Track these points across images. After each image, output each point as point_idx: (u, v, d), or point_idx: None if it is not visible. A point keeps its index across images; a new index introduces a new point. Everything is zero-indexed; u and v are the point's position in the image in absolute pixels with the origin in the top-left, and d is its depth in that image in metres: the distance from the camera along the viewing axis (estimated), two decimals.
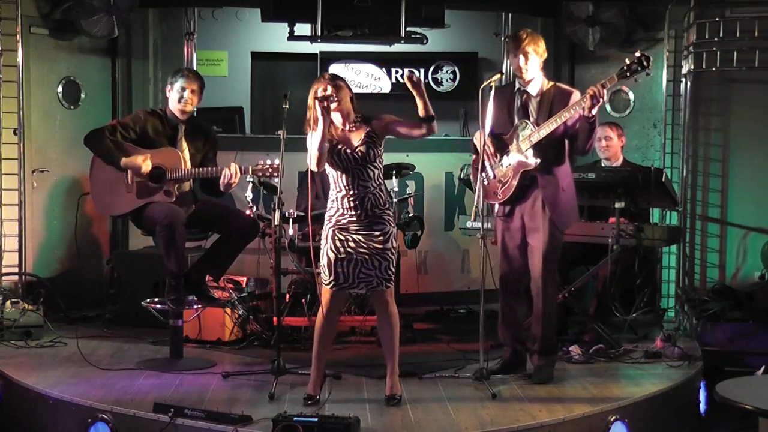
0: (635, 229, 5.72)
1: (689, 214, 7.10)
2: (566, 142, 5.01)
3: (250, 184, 5.95)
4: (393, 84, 8.27)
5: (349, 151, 4.61)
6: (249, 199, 5.99)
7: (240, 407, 4.43)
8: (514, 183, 5.03)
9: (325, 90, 4.56)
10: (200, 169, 5.36)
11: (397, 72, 8.25)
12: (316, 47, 7.78)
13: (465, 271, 7.45)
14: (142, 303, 5.74)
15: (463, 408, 4.61)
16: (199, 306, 5.64)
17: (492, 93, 5.05)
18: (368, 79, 8.26)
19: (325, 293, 4.69)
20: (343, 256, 4.61)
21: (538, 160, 4.94)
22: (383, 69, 8.25)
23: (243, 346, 5.92)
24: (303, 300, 6.06)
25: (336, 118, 4.62)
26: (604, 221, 5.89)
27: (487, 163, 5.11)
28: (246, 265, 6.40)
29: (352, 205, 4.61)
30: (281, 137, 4.84)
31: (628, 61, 4.76)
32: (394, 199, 6.05)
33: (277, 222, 4.91)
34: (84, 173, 5.95)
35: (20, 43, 6.56)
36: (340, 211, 4.64)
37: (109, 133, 5.36)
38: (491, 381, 4.95)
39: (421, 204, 7.17)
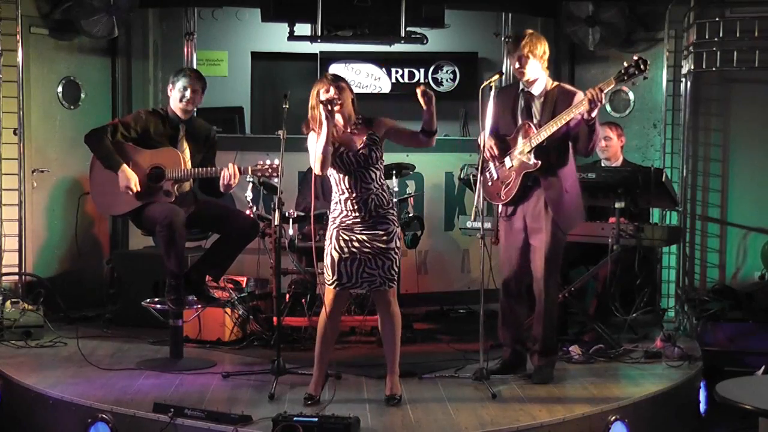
0: (635, 229, 5.72)
1: (689, 214, 7.10)
2: (569, 143, 5.01)
3: (250, 184, 5.96)
4: (393, 84, 8.27)
5: (351, 154, 4.61)
6: (249, 199, 5.99)
7: (240, 407, 4.43)
8: (517, 184, 5.03)
9: (327, 91, 4.55)
10: (200, 169, 5.36)
11: (397, 72, 8.25)
12: (316, 47, 7.78)
13: (465, 271, 7.45)
14: (142, 303, 5.74)
15: (463, 408, 4.61)
16: (199, 306, 5.64)
17: (492, 93, 5.04)
18: (368, 79, 8.26)
19: (328, 293, 4.68)
20: (347, 255, 4.61)
21: (539, 162, 4.94)
22: (383, 69, 8.25)
23: (243, 346, 5.92)
24: (303, 300, 6.06)
25: (337, 120, 4.62)
26: (604, 221, 5.89)
27: (490, 164, 5.12)
28: (246, 265, 6.40)
29: (355, 207, 4.61)
30: (281, 137, 4.84)
31: (625, 65, 4.76)
32: (394, 199, 6.04)
33: (277, 222, 4.91)
34: (84, 173, 5.95)
35: (20, 43, 6.56)
36: (344, 212, 4.64)
37: (110, 133, 5.36)
38: (491, 381, 4.95)
39: (421, 204, 7.17)
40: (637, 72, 4.73)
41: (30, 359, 5.52)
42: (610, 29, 7.12)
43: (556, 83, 5.08)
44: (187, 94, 5.40)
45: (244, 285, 6.32)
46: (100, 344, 5.93)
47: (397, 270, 4.70)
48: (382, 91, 8.26)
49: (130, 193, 5.28)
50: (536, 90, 5.03)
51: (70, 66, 7.19)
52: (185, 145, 5.43)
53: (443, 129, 7.48)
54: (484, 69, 8.22)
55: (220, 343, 5.97)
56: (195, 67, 7.29)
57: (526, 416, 4.49)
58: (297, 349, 5.76)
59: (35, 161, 6.90)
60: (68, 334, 5.98)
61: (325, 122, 4.47)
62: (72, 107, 7.20)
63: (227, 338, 5.99)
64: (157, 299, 5.72)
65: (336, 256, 4.62)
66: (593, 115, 4.76)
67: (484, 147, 5.03)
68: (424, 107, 4.51)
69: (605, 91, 4.73)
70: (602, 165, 6.46)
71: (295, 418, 4.15)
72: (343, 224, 4.63)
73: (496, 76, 5.02)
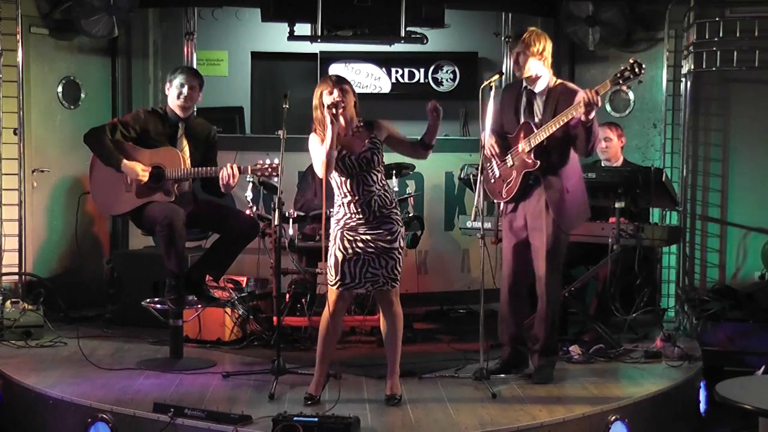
0: (635, 229, 5.72)
1: (689, 214, 7.10)
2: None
3: (250, 184, 5.96)
4: (393, 84, 8.26)
5: (353, 157, 4.60)
6: (249, 199, 5.99)
7: (240, 407, 4.43)
8: (518, 182, 5.04)
9: (331, 93, 4.54)
10: (200, 168, 5.36)
11: (397, 72, 8.25)
12: (316, 47, 7.77)
13: (465, 271, 7.45)
14: (142, 303, 5.75)
15: (463, 408, 4.61)
16: (199, 306, 5.64)
17: (492, 93, 5.05)
18: (368, 79, 8.26)
19: (331, 293, 4.68)
20: (351, 255, 4.61)
21: (539, 162, 4.95)
22: (383, 69, 8.24)
23: (243, 346, 5.92)
24: (303, 300, 6.06)
25: (340, 123, 4.60)
26: (604, 221, 5.89)
27: (492, 162, 5.12)
28: (246, 265, 6.40)
29: (359, 209, 4.61)
30: (281, 137, 4.85)
31: (621, 68, 4.76)
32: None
33: (277, 222, 4.91)
34: (84, 173, 5.95)
35: (20, 43, 6.56)
36: (348, 214, 4.64)
37: (110, 132, 5.35)
38: (491, 381, 4.95)
39: (421, 204, 7.17)
40: (632, 75, 4.73)
41: (30, 359, 5.52)
42: (610, 29, 7.12)
43: (559, 81, 5.08)
44: (184, 91, 5.39)
45: (244, 285, 6.32)
46: (100, 344, 5.93)
47: (400, 270, 4.70)
48: (382, 91, 8.25)
49: (142, 182, 5.26)
50: (539, 88, 5.04)
51: (70, 66, 7.19)
52: (184, 144, 5.43)
53: (443, 129, 7.45)
54: (484, 69, 8.21)
55: (220, 343, 5.97)
56: (195, 67, 7.29)
57: (526, 416, 4.49)
58: (297, 349, 5.77)
59: (35, 161, 6.90)
60: (68, 334, 5.98)
61: (329, 126, 4.47)
62: (72, 107, 7.20)
63: (227, 338, 5.99)
64: (157, 299, 5.73)
65: (340, 256, 4.62)
66: (590, 117, 4.76)
67: (484, 146, 5.03)
68: (431, 122, 4.57)
69: (601, 94, 4.74)
70: (602, 165, 6.46)
71: (295, 418, 4.15)
72: (347, 225, 4.63)
73: (496, 76, 5.04)
